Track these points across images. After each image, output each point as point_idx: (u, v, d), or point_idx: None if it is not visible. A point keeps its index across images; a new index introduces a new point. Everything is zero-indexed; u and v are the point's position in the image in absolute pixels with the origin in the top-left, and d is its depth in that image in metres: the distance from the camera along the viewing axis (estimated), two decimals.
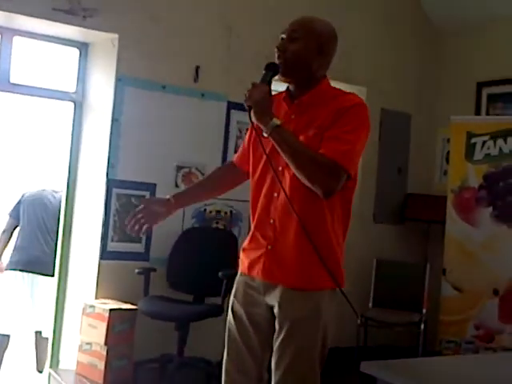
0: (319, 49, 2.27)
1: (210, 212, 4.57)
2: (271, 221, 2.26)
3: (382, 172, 5.30)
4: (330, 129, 2.16)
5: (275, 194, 2.25)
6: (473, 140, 4.72)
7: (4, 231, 4.79)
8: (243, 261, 2.38)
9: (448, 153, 5.04)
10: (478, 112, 5.18)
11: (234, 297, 2.39)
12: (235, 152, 4.64)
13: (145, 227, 2.40)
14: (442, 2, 5.35)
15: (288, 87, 2.34)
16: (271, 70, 2.23)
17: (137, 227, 2.38)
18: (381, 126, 5.24)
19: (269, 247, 2.26)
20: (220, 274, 3.85)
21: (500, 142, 4.62)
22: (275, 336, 2.25)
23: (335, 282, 2.20)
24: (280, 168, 2.21)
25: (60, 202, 4.61)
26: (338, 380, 3.99)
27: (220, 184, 2.66)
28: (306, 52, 2.25)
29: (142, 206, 2.44)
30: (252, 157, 2.38)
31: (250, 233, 2.37)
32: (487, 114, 5.13)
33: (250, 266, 2.32)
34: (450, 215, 4.69)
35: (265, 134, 2.15)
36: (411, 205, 5.28)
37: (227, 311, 2.43)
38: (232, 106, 4.47)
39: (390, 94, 5.27)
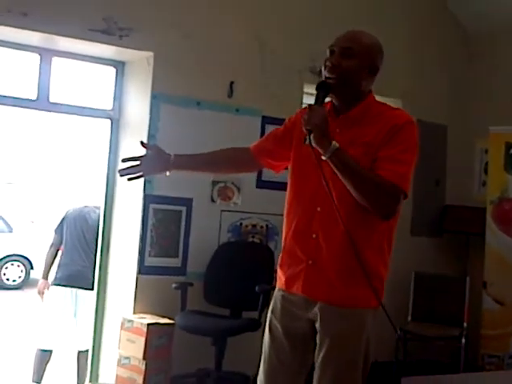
0: (371, 67, 2.26)
1: (246, 226, 4.58)
2: (313, 235, 2.21)
3: (420, 184, 5.20)
4: (383, 148, 2.14)
5: (318, 209, 2.21)
6: None
7: (51, 246, 4.91)
8: (280, 277, 2.35)
9: (486, 164, 4.99)
10: None
11: (272, 313, 2.36)
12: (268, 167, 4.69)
13: (135, 175, 2.37)
14: (473, 8, 5.29)
15: (332, 100, 2.27)
16: (324, 90, 2.18)
17: (128, 172, 2.36)
18: (418, 139, 5.19)
19: (309, 262, 2.22)
20: (257, 288, 3.85)
21: None
22: (317, 351, 2.22)
23: (378, 301, 2.18)
24: (325, 182, 2.13)
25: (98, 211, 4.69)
26: None
27: (227, 164, 2.60)
28: (359, 70, 2.21)
29: (145, 154, 2.42)
30: (294, 161, 2.33)
31: (286, 247, 2.33)
32: None
33: (289, 282, 2.29)
34: (490, 227, 4.65)
35: (323, 157, 2.09)
36: (449, 217, 5.22)
37: (264, 325, 2.41)
38: (266, 120, 4.48)
39: (425, 105, 5.21)
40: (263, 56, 4.55)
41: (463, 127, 5.39)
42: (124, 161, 2.41)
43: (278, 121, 2.20)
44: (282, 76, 4.30)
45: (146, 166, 2.40)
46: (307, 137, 2.09)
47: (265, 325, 2.41)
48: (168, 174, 2.47)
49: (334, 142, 2.08)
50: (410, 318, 4.81)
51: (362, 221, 2.16)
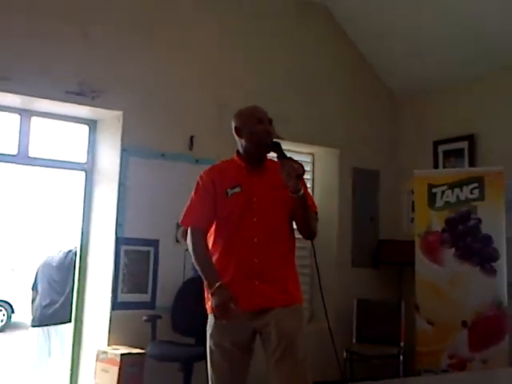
0: None
1: None
2: (256, 260, 2.41)
3: (357, 222, 5.31)
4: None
5: (255, 240, 2.43)
6: (433, 190, 4.74)
7: (32, 301, 4.82)
8: (236, 301, 2.34)
9: (413, 202, 5.03)
10: (436, 166, 5.21)
11: (218, 332, 2.44)
12: None
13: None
14: (397, 71, 5.47)
15: (242, 158, 2.56)
16: (279, 147, 2.45)
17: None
18: (353, 182, 5.28)
19: (256, 283, 2.40)
20: None
21: (457, 190, 4.64)
22: (272, 351, 2.35)
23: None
24: (255, 219, 2.43)
25: (66, 256, 4.70)
26: None
27: None
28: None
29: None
30: (221, 211, 2.49)
31: (234, 278, 2.40)
32: (444, 167, 5.16)
33: (245, 302, 2.36)
34: (419, 257, 4.66)
35: (297, 195, 2.33)
36: (384, 250, 5.25)
37: (212, 353, 2.51)
38: None
39: (359, 154, 5.34)
40: (219, 113, 4.58)
41: (392, 172, 5.49)
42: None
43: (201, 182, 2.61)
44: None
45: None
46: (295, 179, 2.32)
47: None
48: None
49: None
50: (354, 340, 4.79)
51: (286, 243, 2.52)
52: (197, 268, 2.47)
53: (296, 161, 2.37)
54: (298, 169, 2.31)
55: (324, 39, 5.31)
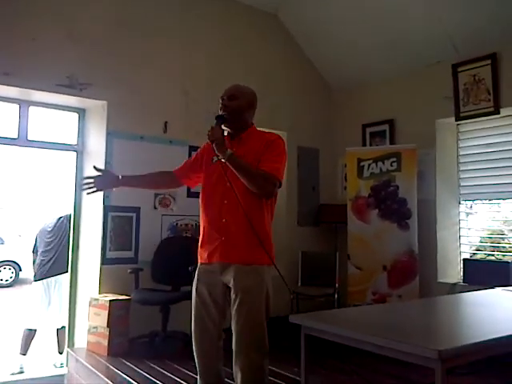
0: (249, 105, 2.40)
1: (181, 225, 4.54)
2: (224, 220, 2.29)
3: (301, 190, 5.38)
4: (264, 155, 2.29)
5: (225, 201, 2.30)
6: (362, 163, 4.80)
7: (33, 263, 4.77)
8: (202, 253, 2.38)
9: (346, 174, 5.10)
10: (364, 144, 5.29)
11: (198, 280, 2.38)
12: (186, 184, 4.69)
13: (92, 190, 2.41)
14: (335, 69, 5.50)
15: (228, 132, 2.41)
16: (220, 119, 2.31)
17: (87, 187, 2.41)
18: (298, 158, 5.33)
19: (223, 239, 2.29)
20: (190, 268, 3.79)
21: (380, 163, 4.71)
22: (232, 303, 2.25)
23: (270, 259, 2.28)
24: (228, 184, 2.28)
25: (58, 221, 4.66)
26: (280, 339, 3.98)
27: (157, 182, 2.71)
28: (240, 107, 2.37)
29: (98, 174, 2.44)
30: (204, 176, 2.43)
31: (205, 232, 2.38)
32: (370, 145, 5.24)
33: (210, 256, 2.33)
34: (350, 217, 4.74)
35: (223, 160, 2.21)
36: (323, 212, 5.32)
37: (192, 297, 2.41)
38: (192, 149, 4.45)
39: (303, 135, 5.39)
40: (188, 102, 4.56)
41: (329, 149, 5.56)
42: (83, 179, 2.45)
43: (200, 148, 2.39)
44: (201, 116, 4.30)
45: (99, 183, 2.44)
46: (213, 145, 2.20)
47: None
48: (114, 189, 2.55)
49: (229, 150, 2.22)
50: (299, 283, 4.88)
51: (254, 205, 2.28)
52: None
53: (217, 129, 2.22)
54: (210, 136, 2.20)
55: (274, 42, 5.29)
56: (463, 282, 4.24)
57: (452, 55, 4.48)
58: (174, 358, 3.74)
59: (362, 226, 4.67)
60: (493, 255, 4.48)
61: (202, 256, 2.38)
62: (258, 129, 2.47)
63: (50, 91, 3.93)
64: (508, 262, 4.01)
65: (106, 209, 4.14)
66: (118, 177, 2.50)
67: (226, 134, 2.37)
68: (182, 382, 3.25)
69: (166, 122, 4.46)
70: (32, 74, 3.81)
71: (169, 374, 3.41)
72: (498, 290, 3.09)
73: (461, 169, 4.70)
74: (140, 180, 2.65)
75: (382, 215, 4.61)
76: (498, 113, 4.26)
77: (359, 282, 4.57)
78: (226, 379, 2.41)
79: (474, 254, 4.61)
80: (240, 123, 2.38)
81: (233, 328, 2.25)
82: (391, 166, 4.66)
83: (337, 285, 4.71)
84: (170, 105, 4.51)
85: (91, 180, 2.42)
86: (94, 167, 2.49)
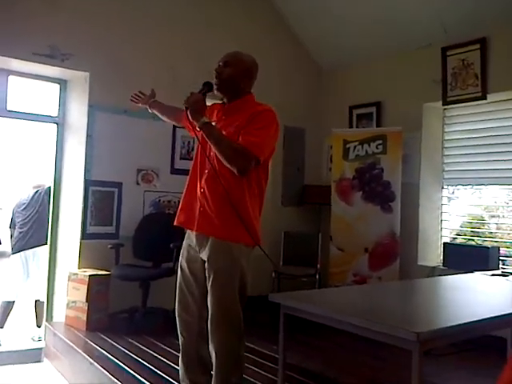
0: (245, 73, 2.29)
1: (163, 202, 4.50)
2: (202, 190, 2.23)
3: (286, 170, 5.35)
4: (245, 127, 2.16)
5: (206, 171, 2.24)
6: (347, 145, 4.78)
7: (10, 237, 4.72)
8: (180, 216, 2.32)
9: (331, 155, 5.07)
10: (351, 126, 5.26)
11: (182, 256, 2.35)
12: (181, 159, 4.61)
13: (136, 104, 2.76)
14: (324, 51, 5.43)
15: (222, 98, 2.32)
16: (206, 86, 2.21)
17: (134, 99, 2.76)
18: (284, 138, 5.29)
19: (200, 209, 2.22)
20: (171, 245, 3.80)
21: (365, 146, 4.70)
22: (207, 281, 2.22)
23: (251, 238, 2.17)
24: (211, 153, 2.20)
25: (34, 195, 4.58)
26: (262, 318, 4.00)
27: (172, 115, 2.71)
28: (235, 74, 2.26)
29: (145, 94, 2.74)
30: (195, 149, 2.38)
31: (185, 198, 2.31)
32: (357, 127, 5.21)
33: (186, 221, 2.28)
34: (334, 198, 4.74)
35: (197, 128, 2.13)
36: (307, 193, 5.31)
37: (177, 272, 2.38)
38: (177, 126, 4.40)
39: (290, 115, 5.30)
40: (173, 75, 4.46)
41: (316, 130, 5.51)
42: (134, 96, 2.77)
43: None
44: (187, 90, 4.20)
45: (140, 100, 2.75)
46: (187, 112, 2.10)
47: (177, 272, 2.38)
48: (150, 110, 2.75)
49: (204, 118, 2.11)
50: (282, 263, 4.88)
51: (236, 180, 2.16)
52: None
53: (197, 95, 2.11)
54: (185, 101, 2.10)
55: (263, 20, 5.19)
56: (443, 266, 4.28)
57: (442, 38, 4.44)
58: (153, 333, 3.74)
59: (346, 208, 4.66)
60: (473, 240, 4.52)
61: (178, 218, 2.32)
62: None
63: (29, 60, 3.82)
64: (487, 247, 4.06)
65: (87, 183, 4.07)
66: (153, 101, 2.73)
67: (222, 102, 2.30)
68: (160, 357, 3.25)
69: None
70: (10, 41, 3.68)
71: (147, 350, 3.41)
72: (477, 274, 3.13)
73: (445, 153, 4.71)
74: (163, 108, 2.73)
75: (366, 197, 4.61)
76: (485, 98, 4.25)
77: (341, 263, 4.59)
78: None
79: (455, 238, 4.65)
80: (233, 91, 2.26)
81: (208, 306, 2.22)
82: (377, 148, 4.65)
83: (318, 265, 4.72)
84: (156, 79, 4.38)
85: (138, 95, 2.73)
86: (152, 90, 2.76)
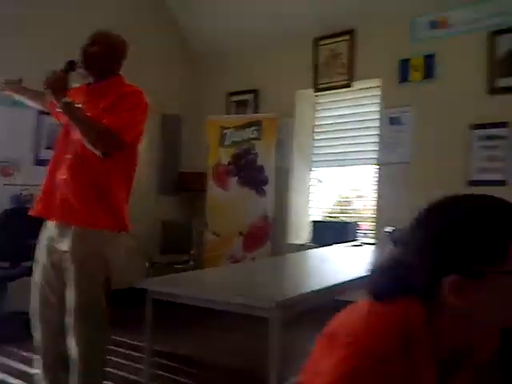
0: (111, 53, 2.18)
1: (25, 196, 4.18)
2: (63, 176, 2.08)
3: (161, 156, 5.21)
4: (111, 109, 2.06)
5: (68, 156, 2.09)
6: (224, 131, 4.83)
7: None
8: (37, 205, 2.14)
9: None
10: (228, 113, 5.27)
11: (38, 249, 2.16)
12: (47, 148, 4.30)
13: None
14: (203, 39, 5.37)
15: (90, 80, 2.19)
16: (69, 64, 2.05)
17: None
18: (162, 126, 5.18)
19: (62, 197, 2.07)
20: (31, 242, 3.54)
21: (241, 132, 4.77)
22: (69, 273, 2.06)
23: (116, 223, 2.09)
24: (75, 137, 2.06)
25: None
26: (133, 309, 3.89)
27: (38, 99, 2.39)
28: (99, 54, 2.14)
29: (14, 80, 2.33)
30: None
31: (45, 186, 2.14)
32: (235, 113, 5.23)
33: (46, 211, 2.11)
34: (210, 185, 4.75)
35: (58, 109, 2.00)
36: (183, 180, 5.23)
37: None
38: (42, 112, 4.08)
39: (166, 103, 5.20)
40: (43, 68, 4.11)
41: (194, 117, 5.42)
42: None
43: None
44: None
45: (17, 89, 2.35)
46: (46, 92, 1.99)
47: None
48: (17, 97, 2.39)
49: (65, 98, 1.98)
50: (159, 253, 4.78)
51: (100, 164, 2.05)
52: None
53: (59, 74, 2.00)
54: (44, 82, 1.98)
55: (140, 4, 5.00)
56: (311, 243, 4.48)
57: (314, 29, 4.60)
58: (11, 341, 3.44)
59: (221, 193, 4.70)
60: (340, 218, 4.79)
61: (36, 208, 2.14)
62: None
63: None
64: (347, 223, 4.40)
65: None
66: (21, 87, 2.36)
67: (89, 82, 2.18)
68: (21, 367, 3.01)
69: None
70: None
71: (5, 360, 3.14)
72: (335, 246, 3.39)
73: (315, 138, 4.90)
74: (29, 92, 2.39)
75: (242, 182, 4.69)
76: (350, 86, 4.49)
77: (216, 247, 4.63)
78: None
79: (327, 217, 4.89)
80: (99, 71, 2.15)
81: (69, 299, 2.08)
82: (252, 134, 4.73)
83: (192, 252, 4.69)
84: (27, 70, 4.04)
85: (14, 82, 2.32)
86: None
